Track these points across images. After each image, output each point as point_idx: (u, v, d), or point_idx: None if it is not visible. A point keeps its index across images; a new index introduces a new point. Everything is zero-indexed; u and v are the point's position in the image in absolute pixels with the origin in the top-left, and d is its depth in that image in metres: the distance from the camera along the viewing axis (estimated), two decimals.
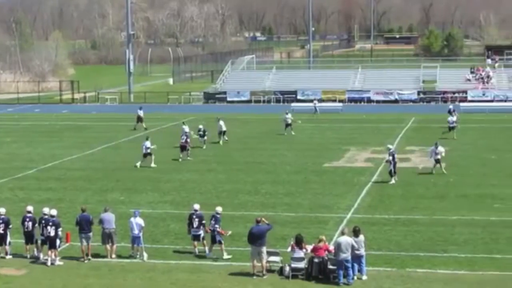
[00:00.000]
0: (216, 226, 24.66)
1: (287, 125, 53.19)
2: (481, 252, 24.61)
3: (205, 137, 47.79)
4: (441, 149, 37.94)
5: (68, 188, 35.95)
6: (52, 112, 71.23)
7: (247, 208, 30.74)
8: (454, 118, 51.11)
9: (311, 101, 69.81)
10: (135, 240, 24.72)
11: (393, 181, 35.66)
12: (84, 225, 24.73)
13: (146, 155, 41.42)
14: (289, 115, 53.71)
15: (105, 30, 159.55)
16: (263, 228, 23.22)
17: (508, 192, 33.51)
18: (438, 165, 37.73)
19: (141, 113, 57.36)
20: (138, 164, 40.91)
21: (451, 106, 57.05)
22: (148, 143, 41.61)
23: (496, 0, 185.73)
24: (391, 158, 35.95)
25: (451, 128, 50.34)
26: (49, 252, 24.13)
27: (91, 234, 24.77)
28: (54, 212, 24.58)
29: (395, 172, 35.87)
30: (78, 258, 24.65)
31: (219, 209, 25.30)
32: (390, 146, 37.59)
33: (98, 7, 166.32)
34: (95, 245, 25.42)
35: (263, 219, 23.60)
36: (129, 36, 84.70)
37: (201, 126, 48.29)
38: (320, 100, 71.52)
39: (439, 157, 37.68)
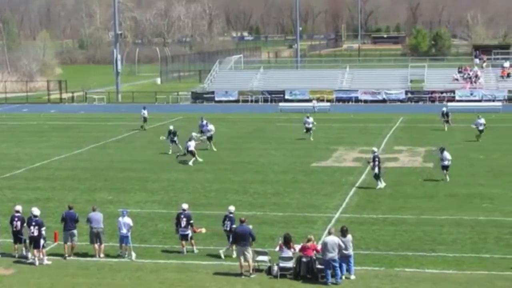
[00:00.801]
0: (233, 226, 24.39)
1: (308, 129, 50.29)
2: (469, 252, 24.70)
3: (176, 139, 44.95)
4: (447, 155, 36.20)
5: (56, 187, 35.86)
6: (40, 112, 70.99)
7: (236, 208, 30.64)
8: (483, 121, 49.39)
9: (310, 100, 69.36)
10: (123, 239, 24.70)
11: (380, 185, 34.65)
12: (68, 222, 24.77)
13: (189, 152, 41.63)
14: (311, 119, 50.72)
15: (93, 29, 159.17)
16: (247, 228, 23.24)
17: (496, 192, 33.65)
18: (444, 171, 36.27)
19: (145, 113, 56.79)
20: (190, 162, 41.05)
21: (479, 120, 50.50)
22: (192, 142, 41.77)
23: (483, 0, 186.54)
24: (376, 162, 34.62)
25: (481, 131, 48.93)
26: (35, 252, 24.07)
27: (75, 231, 24.79)
28: (37, 211, 24.51)
29: (379, 176, 34.86)
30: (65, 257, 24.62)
31: (232, 208, 25.22)
32: (374, 149, 36.11)
33: (85, 6, 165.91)
34: (83, 244, 25.39)
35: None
36: (117, 35, 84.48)
37: (171, 127, 45.95)
38: (319, 100, 71.32)
39: (446, 163, 36.09)
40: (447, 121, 54.17)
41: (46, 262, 24.14)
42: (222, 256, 24.45)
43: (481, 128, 49.20)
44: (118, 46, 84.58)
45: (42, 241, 24.02)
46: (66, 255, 24.65)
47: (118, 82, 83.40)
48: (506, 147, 46.47)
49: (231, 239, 24.23)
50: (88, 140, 51.66)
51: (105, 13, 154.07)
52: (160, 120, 62.74)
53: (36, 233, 23.97)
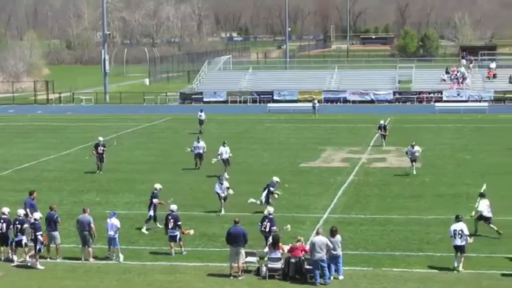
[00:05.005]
0: (274, 228, 24.36)
1: (383, 136, 47.79)
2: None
3: (104, 154, 39.90)
4: (417, 148, 38.08)
5: (43, 189, 35.63)
6: (27, 113, 70.73)
7: (224, 209, 30.65)
8: (417, 148, 48.21)
9: (310, 101, 69.20)
10: (111, 241, 24.62)
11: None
12: (48, 223, 24.66)
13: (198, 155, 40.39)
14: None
15: (81, 30, 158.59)
16: (241, 229, 23.23)
17: None
18: (411, 164, 37.90)
19: (202, 115, 55.07)
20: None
21: None
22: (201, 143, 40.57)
23: (471, 1, 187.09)
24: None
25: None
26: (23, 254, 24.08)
27: (55, 233, 24.66)
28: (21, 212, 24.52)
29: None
30: (53, 259, 24.56)
31: (271, 209, 25.26)
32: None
33: (73, 6, 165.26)
34: (71, 247, 25.33)
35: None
36: (105, 36, 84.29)
37: (100, 139, 40.94)
38: (320, 101, 71.11)
39: (416, 155, 37.95)
40: (384, 136, 47.56)
41: (39, 266, 24.03)
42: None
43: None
44: (106, 46, 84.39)
45: (38, 245, 23.90)
46: (48, 256, 24.56)
47: (106, 82, 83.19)
48: (492, 147, 46.66)
49: (269, 241, 23.63)
50: (76, 141, 51.53)
51: (93, 13, 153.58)
52: (149, 120, 62.71)
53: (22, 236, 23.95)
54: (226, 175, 34.88)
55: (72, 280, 22.92)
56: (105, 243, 25.02)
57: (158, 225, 27.85)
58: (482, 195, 27.21)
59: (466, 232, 23.07)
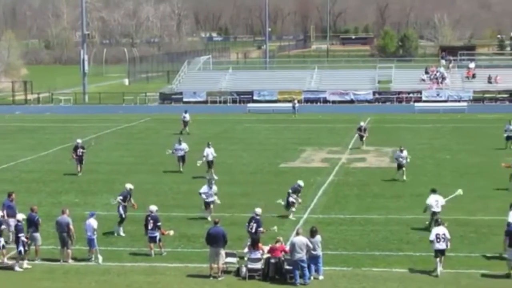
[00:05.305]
0: (260, 229, 24.31)
1: (509, 137, 45.36)
2: (433, 250, 24.83)
3: (83, 156, 39.45)
4: (406, 153, 36.70)
5: (22, 190, 35.29)
6: (5, 113, 70.21)
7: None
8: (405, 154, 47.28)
9: (290, 101, 69.21)
10: (90, 242, 24.48)
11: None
12: (29, 225, 24.47)
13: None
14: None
15: (59, 29, 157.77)
16: (221, 230, 23.18)
17: None
18: (400, 170, 36.62)
19: (187, 116, 54.81)
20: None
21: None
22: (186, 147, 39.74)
23: (450, 2, 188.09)
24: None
25: (508, 138, 45.50)
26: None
27: (36, 234, 24.47)
28: None
29: None
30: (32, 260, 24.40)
31: (258, 210, 25.09)
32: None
33: (52, 6, 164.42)
34: (49, 248, 25.16)
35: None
36: (84, 36, 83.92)
37: (79, 141, 40.47)
38: (300, 101, 71.20)
39: (404, 161, 36.45)
40: (362, 137, 46.82)
41: (17, 268, 23.84)
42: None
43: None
44: (85, 46, 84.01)
45: (20, 247, 23.70)
46: (27, 258, 24.37)
47: (85, 83, 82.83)
48: (471, 147, 46.92)
49: (248, 242, 23.69)
50: (55, 141, 51.23)
51: (72, 13, 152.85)
52: (128, 121, 62.47)
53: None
54: (215, 176, 34.79)
55: (51, 281, 22.77)
56: (84, 244, 24.89)
57: (122, 233, 27.36)
58: (433, 191, 27.81)
59: (448, 236, 23.06)
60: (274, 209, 31.09)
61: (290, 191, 29.76)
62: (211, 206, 29.58)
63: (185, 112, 55.48)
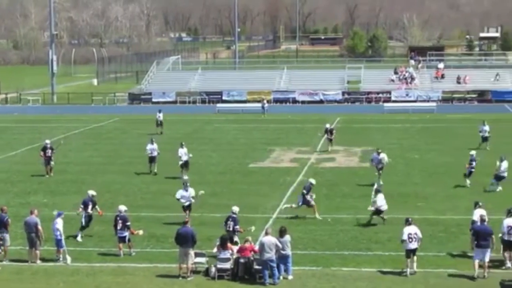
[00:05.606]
0: (237, 227, 24.39)
1: (484, 138, 45.55)
2: (404, 250, 24.93)
3: (52, 155, 38.89)
4: (383, 155, 36.12)
5: None
6: None
7: (172, 210, 30.48)
8: (487, 128, 45.56)
9: (259, 101, 69.14)
10: (57, 242, 24.28)
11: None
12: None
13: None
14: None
15: (28, 29, 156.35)
16: (190, 230, 23.13)
17: (430, 191, 34.20)
18: (377, 173, 35.95)
19: (160, 116, 54.43)
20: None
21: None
22: (156, 149, 38.89)
23: (419, 2, 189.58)
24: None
25: (484, 139, 45.43)
26: None
27: (5, 235, 24.26)
28: None
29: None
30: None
31: (235, 209, 25.10)
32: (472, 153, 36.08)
33: (20, 6, 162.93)
34: (17, 249, 24.93)
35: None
36: (52, 36, 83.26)
37: (47, 141, 39.83)
38: (269, 101, 71.20)
39: (382, 164, 35.87)
40: (331, 140, 46.27)
41: None
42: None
43: (485, 135, 45.49)
44: (54, 46, 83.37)
45: None
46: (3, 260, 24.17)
47: (54, 83, 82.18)
48: (440, 147, 47.26)
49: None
50: (23, 142, 50.79)
51: (40, 13, 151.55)
52: (97, 121, 62.10)
53: None
54: (185, 177, 34.59)
55: (19, 282, 22.57)
56: (52, 245, 24.69)
57: (79, 238, 26.72)
58: (378, 191, 28.79)
59: (420, 235, 23.14)
60: (243, 209, 31.04)
61: (304, 191, 29.67)
62: (187, 211, 28.52)
63: (159, 112, 55.25)
